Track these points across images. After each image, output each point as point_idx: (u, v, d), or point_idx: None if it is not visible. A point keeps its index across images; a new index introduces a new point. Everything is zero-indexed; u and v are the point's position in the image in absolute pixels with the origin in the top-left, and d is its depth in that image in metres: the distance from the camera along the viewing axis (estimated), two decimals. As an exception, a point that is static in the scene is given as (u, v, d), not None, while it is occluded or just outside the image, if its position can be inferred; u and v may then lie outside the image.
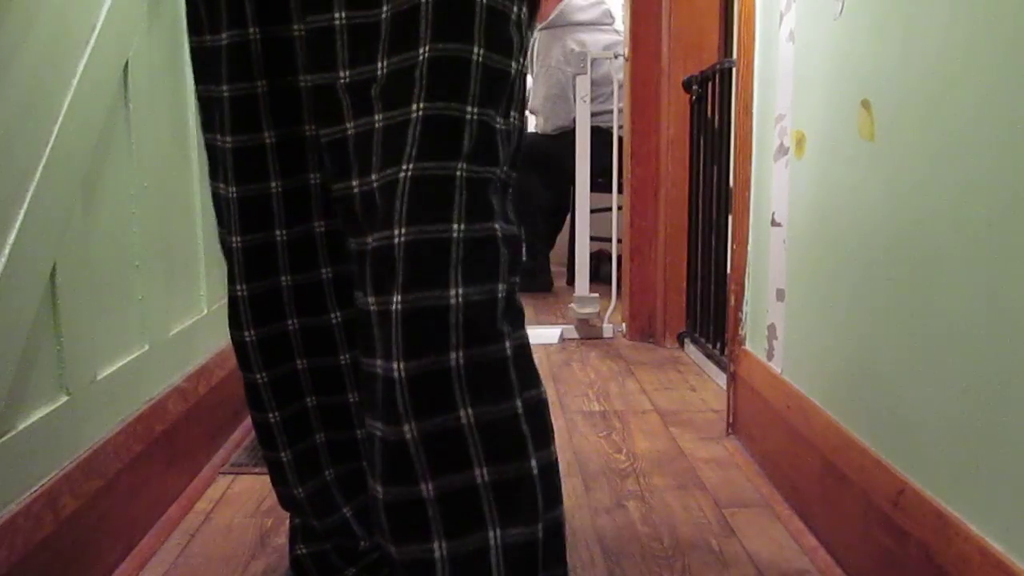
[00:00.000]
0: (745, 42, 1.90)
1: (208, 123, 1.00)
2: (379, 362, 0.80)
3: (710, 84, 2.57)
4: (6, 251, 1.05)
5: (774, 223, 1.71)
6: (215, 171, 1.00)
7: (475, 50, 0.81)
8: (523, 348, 0.85)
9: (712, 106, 2.56)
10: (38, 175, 1.12)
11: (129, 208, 1.43)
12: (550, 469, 0.85)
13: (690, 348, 2.81)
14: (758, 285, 1.83)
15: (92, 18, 1.29)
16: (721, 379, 2.31)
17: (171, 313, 1.62)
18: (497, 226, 0.82)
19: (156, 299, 1.54)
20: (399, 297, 0.78)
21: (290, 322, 1.03)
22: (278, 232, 0.99)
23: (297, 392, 1.05)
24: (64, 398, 1.19)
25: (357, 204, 0.85)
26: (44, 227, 1.13)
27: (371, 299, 0.81)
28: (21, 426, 1.08)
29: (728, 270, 2.12)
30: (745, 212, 1.90)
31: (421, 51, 0.81)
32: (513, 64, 0.85)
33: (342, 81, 0.86)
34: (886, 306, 1.21)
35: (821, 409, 1.44)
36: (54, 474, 1.15)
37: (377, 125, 0.83)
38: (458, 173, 0.80)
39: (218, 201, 1.02)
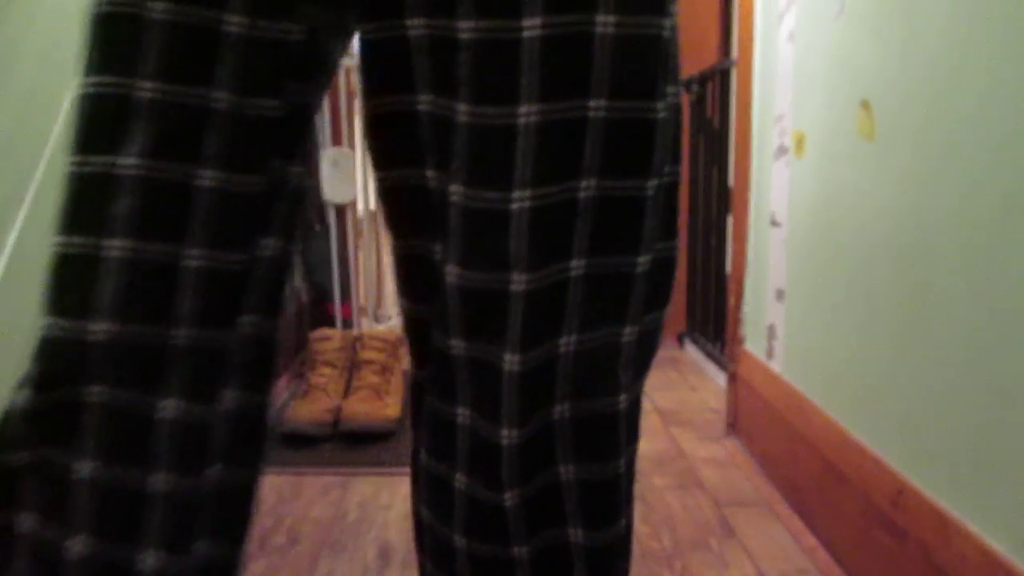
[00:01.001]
0: (745, 42, 1.90)
1: (103, 57, 0.62)
2: (469, 413, 0.69)
3: (710, 84, 2.57)
4: (6, 251, 1.05)
5: (774, 223, 1.71)
6: (91, 140, 0.62)
7: (600, 18, 0.63)
8: (638, 400, 0.75)
9: (712, 106, 2.56)
10: (38, 175, 1.12)
11: (129, 208, 1.44)
12: (630, 526, 0.79)
13: (690, 348, 2.81)
14: (758, 285, 1.83)
15: (92, 18, 1.30)
16: (721, 379, 2.31)
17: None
18: (633, 260, 0.69)
19: (156, 299, 1.54)
20: (516, 357, 0.66)
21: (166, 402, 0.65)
22: (190, 252, 0.63)
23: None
24: (64, 398, 1.19)
25: (453, 214, 0.67)
26: (44, 227, 1.13)
27: (458, 343, 0.68)
28: (21, 426, 1.08)
29: (728, 270, 2.12)
30: (745, 212, 1.90)
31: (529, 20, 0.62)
32: (662, 21, 0.65)
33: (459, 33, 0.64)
34: (886, 306, 1.21)
35: (821, 409, 1.44)
36: (54, 474, 1.15)
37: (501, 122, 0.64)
38: (581, 194, 0.66)
39: (86, 184, 0.62)
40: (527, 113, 0.63)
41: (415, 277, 0.73)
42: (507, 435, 0.68)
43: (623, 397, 0.72)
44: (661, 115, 0.66)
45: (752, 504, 1.59)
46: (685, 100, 2.79)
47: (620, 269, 0.69)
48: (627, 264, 0.69)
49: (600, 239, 0.67)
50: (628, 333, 0.70)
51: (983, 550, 0.95)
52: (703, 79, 2.61)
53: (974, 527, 0.99)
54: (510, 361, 0.66)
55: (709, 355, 2.56)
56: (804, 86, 1.54)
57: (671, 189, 0.71)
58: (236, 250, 0.64)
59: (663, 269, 0.72)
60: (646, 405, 2.23)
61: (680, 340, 2.90)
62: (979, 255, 0.98)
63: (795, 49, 1.59)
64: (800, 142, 1.56)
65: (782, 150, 1.66)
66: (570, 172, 0.65)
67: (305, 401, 2.00)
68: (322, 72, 0.69)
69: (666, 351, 2.87)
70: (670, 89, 0.68)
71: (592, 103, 0.64)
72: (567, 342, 0.68)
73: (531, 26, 0.62)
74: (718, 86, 2.48)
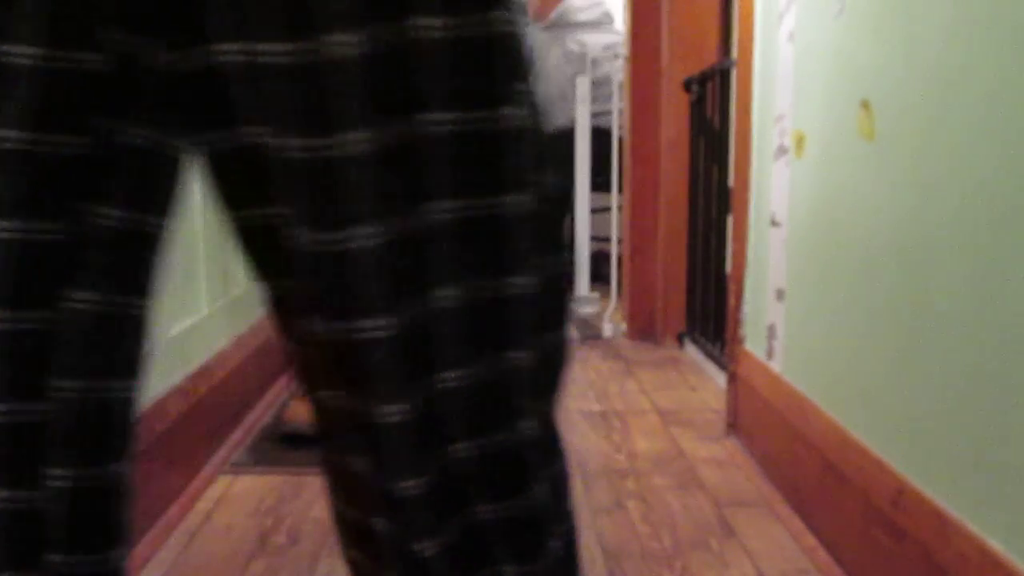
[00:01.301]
0: (745, 42, 1.90)
1: None
2: (363, 462, 0.65)
3: (710, 84, 2.57)
4: (6, 251, 1.05)
5: (774, 223, 1.71)
6: None
7: (419, 22, 0.57)
8: (550, 421, 0.70)
9: (712, 106, 2.56)
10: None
11: (129, 208, 1.44)
12: (570, 547, 0.75)
13: (690, 348, 2.81)
14: (758, 285, 1.83)
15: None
16: (721, 379, 2.31)
17: (171, 313, 1.62)
18: (507, 281, 0.64)
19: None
20: (390, 408, 0.61)
21: None
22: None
23: None
24: (64, 398, 1.19)
25: (294, 258, 0.62)
26: None
27: (327, 394, 0.65)
28: (21, 426, 1.08)
29: (728, 270, 2.12)
30: (745, 212, 1.90)
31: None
32: (495, 15, 0.60)
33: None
34: (886, 306, 1.21)
35: (821, 409, 1.44)
36: (54, 474, 1.15)
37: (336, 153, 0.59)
38: (433, 219, 0.61)
39: None
40: (356, 141, 0.58)
41: (284, 319, 0.67)
42: (407, 486, 0.63)
43: (528, 424, 0.67)
44: (514, 122, 0.61)
45: (752, 504, 1.59)
46: (686, 100, 2.79)
47: (495, 294, 0.63)
48: (501, 287, 0.63)
49: (465, 265, 0.62)
50: (520, 358, 0.65)
51: (983, 550, 0.96)
52: (703, 79, 2.62)
53: (974, 527, 0.99)
54: (385, 413, 0.61)
55: (709, 355, 2.56)
56: (804, 86, 1.54)
57: (546, 201, 0.65)
58: (35, 308, 0.57)
59: (551, 286, 0.67)
60: (646, 405, 2.23)
61: (680, 340, 2.90)
62: (980, 255, 0.98)
63: (795, 49, 1.59)
64: (800, 142, 1.56)
65: (782, 150, 1.66)
66: (417, 198, 0.60)
67: (305, 401, 2.00)
68: (148, 105, 0.62)
69: (666, 351, 2.87)
70: (519, 87, 0.61)
71: (428, 118, 0.59)
72: (448, 378, 0.63)
73: (344, 43, 0.56)
74: (718, 86, 2.48)
